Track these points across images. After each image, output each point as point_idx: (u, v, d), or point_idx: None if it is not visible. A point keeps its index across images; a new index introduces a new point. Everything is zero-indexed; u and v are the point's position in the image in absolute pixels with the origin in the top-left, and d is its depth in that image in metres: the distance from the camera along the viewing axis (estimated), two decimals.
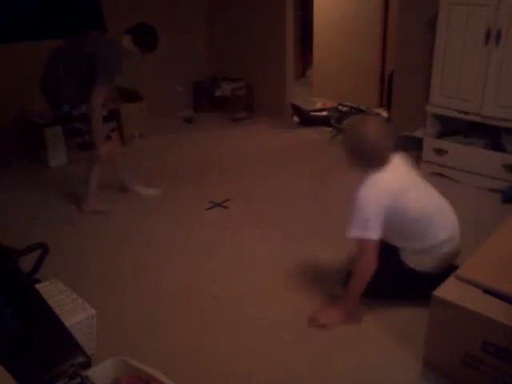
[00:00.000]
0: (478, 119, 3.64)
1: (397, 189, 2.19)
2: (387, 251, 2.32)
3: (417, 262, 2.32)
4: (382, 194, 2.16)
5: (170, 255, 2.98)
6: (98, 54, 3.13)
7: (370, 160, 2.19)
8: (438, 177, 3.89)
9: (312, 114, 5.53)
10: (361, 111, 5.21)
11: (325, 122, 5.28)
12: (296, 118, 5.53)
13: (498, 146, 3.68)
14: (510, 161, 3.54)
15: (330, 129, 5.17)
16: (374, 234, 2.14)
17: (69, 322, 1.92)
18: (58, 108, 3.34)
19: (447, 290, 1.94)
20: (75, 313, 2.08)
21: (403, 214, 2.21)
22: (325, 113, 5.47)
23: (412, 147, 4.05)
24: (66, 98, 3.29)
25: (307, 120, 5.39)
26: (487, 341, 1.82)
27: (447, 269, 2.25)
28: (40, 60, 4.13)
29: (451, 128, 3.97)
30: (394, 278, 2.35)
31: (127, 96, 4.96)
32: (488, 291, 1.91)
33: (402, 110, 4.53)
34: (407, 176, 2.31)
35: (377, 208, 2.14)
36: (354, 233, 2.16)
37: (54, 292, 2.19)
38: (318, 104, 6.07)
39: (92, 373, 1.57)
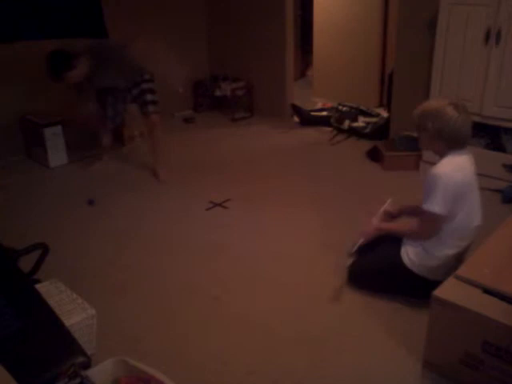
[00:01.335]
0: (477, 119, 3.64)
1: (470, 171, 2.23)
2: (391, 242, 2.39)
3: (414, 263, 2.33)
4: (458, 172, 2.18)
5: (169, 255, 2.98)
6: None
7: (456, 139, 2.19)
8: None
9: (312, 113, 5.53)
10: (361, 111, 5.21)
11: (325, 121, 5.28)
12: (296, 118, 5.53)
13: (498, 146, 3.68)
14: (509, 161, 3.54)
15: (329, 129, 5.18)
16: (443, 208, 2.15)
17: (69, 322, 1.92)
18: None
19: (447, 290, 1.94)
20: (75, 313, 2.07)
21: (459, 208, 2.20)
22: (325, 113, 5.47)
23: (412, 147, 4.05)
24: None
25: (307, 120, 5.40)
26: (487, 341, 1.82)
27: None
28: (40, 60, 4.14)
29: None
30: (387, 267, 2.41)
31: None
32: (488, 291, 1.91)
33: (402, 110, 4.52)
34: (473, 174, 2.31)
35: (451, 186, 2.15)
36: (434, 207, 2.16)
37: (53, 292, 2.19)
38: (318, 104, 6.07)
39: (92, 373, 1.57)
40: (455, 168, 2.19)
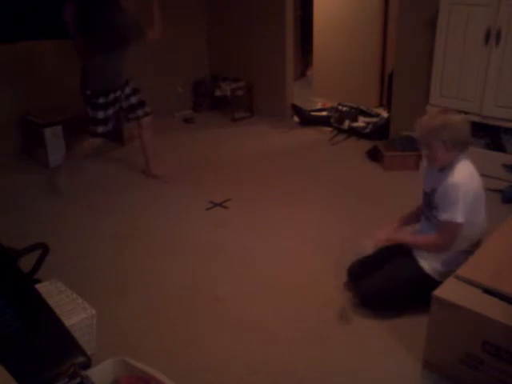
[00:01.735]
0: (477, 119, 3.64)
1: (480, 181, 2.27)
2: (402, 256, 2.36)
3: (438, 271, 2.29)
4: (474, 178, 2.23)
5: (170, 255, 2.98)
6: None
7: (468, 142, 2.23)
8: None
9: (312, 113, 5.53)
10: (361, 111, 5.21)
11: (325, 121, 5.28)
12: (296, 118, 5.53)
13: (498, 146, 3.68)
14: (510, 161, 3.54)
15: (330, 129, 5.18)
16: (462, 217, 2.16)
17: (69, 322, 1.92)
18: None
19: (447, 290, 1.94)
20: (75, 313, 2.07)
21: (475, 209, 2.23)
22: (325, 113, 5.47)
23: (412, 147, 4.05)
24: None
25: (307, 120, 5.39)
26: (487, 341, 1.82)
27: None
28: (40, 60, 4.15)
29: None
30: (406, 283, 2.33)
31: None
32: (488, 291, 1.91)
33: (402, 110, 4.52)
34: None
35: (469, 193, 2.17)
36: (457, 217, 2.16)
37: (53, 292, 2.19)
38: (318, 104, 6.07)
39: (92, 373, 1.57)
40: (471, 175, 2.22)
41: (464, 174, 2.20)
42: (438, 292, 1.93)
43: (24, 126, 4.56)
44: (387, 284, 2.34)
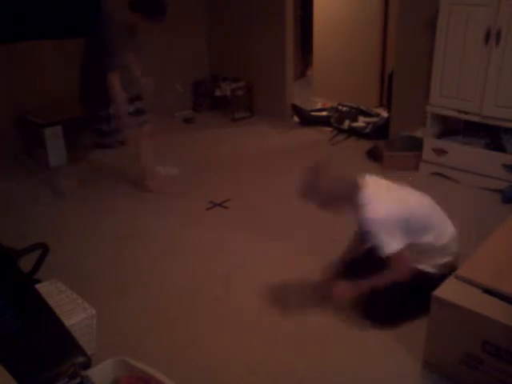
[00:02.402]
0: (477, 119, 3.64)
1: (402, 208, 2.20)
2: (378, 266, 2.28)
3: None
4: (391, 209, 2.17)
5: (170, 255, 2.98)
6: (98, 36, 3.13)
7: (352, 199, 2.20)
8: (437, 177, 3.89)
9: (312, 113, 5.53)
10: (361, 111, 5.21)
11: (325, 121, 5.28)
12: (296, 118, 5.53)
13: (498, 146, 3.68)
14: (510, 161, 3.54)
15: (330, 129, 5.18)
16: (399, 243, 2.13)
17: (69, 322, 1.92)
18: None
19: (447, 290, 1.94)
20: (75, 313, 2.07)
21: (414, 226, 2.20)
22: (325, 113, 5.47)
23: (412, 147, 4.06)
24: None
25: (307, 120, 5.39)
26: (487, 341, 1.82)
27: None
28: (40, 60, 4.14)
29: (451, 128, 3.98)
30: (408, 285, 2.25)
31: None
32: (488, 291, 1.91)
33: (402, 110, 4.52)
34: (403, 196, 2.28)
35: (392, 220, 2.14)
36: (388, 250, 2.12)
37: (53, 292, 2.19)
38: (318, 104, 6.07)
39: (92, 373, 1.57)
40: (385, 205, 2.17)
41: (374, 207, 2.15)
42: (437, 292, 1.93)
43: (24, 126, 4.56)
44: (390, 295, 2.26)
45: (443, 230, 2.29)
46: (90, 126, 3.54)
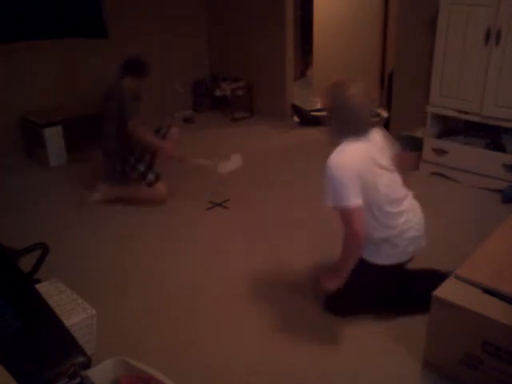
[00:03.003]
0: (477, 119, 3.64)
1: (369, 159, 2.11)
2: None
3: (376, 252, 2.24)
4: (353, 160, 2.09)
5: (169, 255, 2.98)
6: (116, 102, 3.47)
7: (349, 124, 2.13)
8: (438, 177, 3.89)
9: (312, 114, 5.52)
10: None
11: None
12: (296, 118, 5.53)
13: (498, 146, 3.68)
14: (509, 161, 3.54)
15: None
16: (353, 199, 2.04)
17: (69, 322, 1.92)
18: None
19: (447, 290, 1.94)
20: (75, 313, 2.08)
21: (373, 193, 2.11)
22: (325, 113, 5.46)
23: (412, 147, 4.05)
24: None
25: (307, 120, 5.39)
26: (487, 341, 1.82)
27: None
28: (40, 60, 4.13)
29: (451, 128, 3.98)
30: (364, 280, 2.24)
31: None
32: (488, 291, 1.91)
33: (402, 110, 4.52)
34: (382, 154, 2.19)
35: (350, 174, 2.05)
36: (331, 203, 2.08)
37: (53, 292, 2.19)
38: (318, 104, 6.07)
39: (92, 373, 1.57)
40: (349, 155, 2.12)
41: (338, 154, 2.11)
42: (438, 292, 1.93)
43: (24, 125, 4.56)
44: (346, 291, 2.25)
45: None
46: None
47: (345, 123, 2.16)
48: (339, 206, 2.07)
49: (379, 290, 2.29)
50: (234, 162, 3.80)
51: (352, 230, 2.07)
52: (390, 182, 2.20)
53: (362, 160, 2.11)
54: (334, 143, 2.18)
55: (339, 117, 2.16)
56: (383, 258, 2.25)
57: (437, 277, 2.24)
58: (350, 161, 2.10)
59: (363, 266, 2.22)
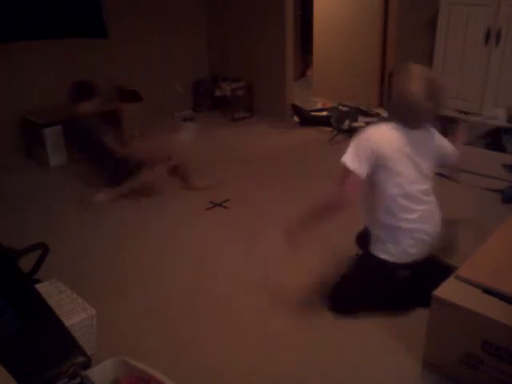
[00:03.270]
0: (477, 119, 3.64)
1: (397, 146, 2.16)
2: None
3: (381, 245, 2.29)
4: (378, 139, 2.17)
5: (169, 255, 2.98)
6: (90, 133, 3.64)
7: (401, 115, 2.17)
8: (438, 177, 3.88)
9: (312, 113, 5.53)
10: (361, 111, 5.21)
11: (325, 122, 5.28)
12: (296, 118, 5.53)
13: (498, 146, 3.68)
14: (510, 161, 3.54)
15: (330, 129, 5.18)
16: (355, 165, 2.13)
17: (69, 322, 1.92)
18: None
19: (447, 290, 1.94)
20: (75, 313, 2.07)
21: (387, 177, 2.17)
22: (325, 113, 5.47)
23: None
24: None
25: (307, 120, 5.40)
26: (487, 341, 1.82)
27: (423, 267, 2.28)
28: (40, 60, 4.13)
29: (451, 128, 3.98)
30: (367, 273, 2.33)
31: (127, 96, 4.96)
32: (488, 291, 1.91)
33: None
34: (421, 153, 2.21)
35: (367, 146, 2.14)
36: (344, 159, 2.15)
37: (53, 292, 2.19)
38: (318, 104, 6.07)
39: (92, 373, 1.57)
40: (378, 133, 2.20)
41: (371, 129, 2.20)
42: (438, 292, 1.93)
43: (24, 125, 4.56)
44: (346, 283, 2.37)
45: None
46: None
47: (398, 112, 2.19)
48: (342, 162, 2.16)
49: (382, 285, 2.32)
50: (190, 129, 3.93)
51: (340, 189, 2.17)
52: (411, 178, 2.20)
53: (388, 143, 2.16)
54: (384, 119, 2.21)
55: (396, 105, 2.19)
56: (386, 253, 2.28)
57: (441, 271, 2.24)
58: (375, 138, 2.18)
59: (368, 260, 2.30)
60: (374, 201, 2.28)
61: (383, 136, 2.19)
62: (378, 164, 2.15)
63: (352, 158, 2.14)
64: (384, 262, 2.28)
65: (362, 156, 2.13)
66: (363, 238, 2.54)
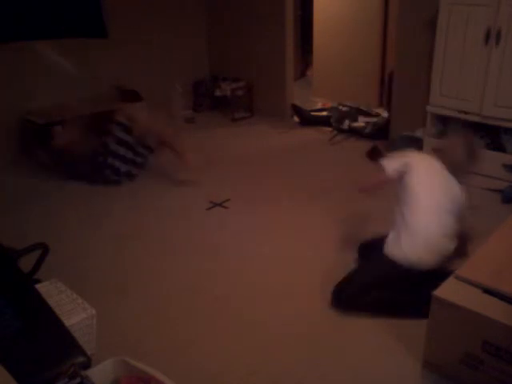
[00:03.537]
0: (477, 119, 3.64)
1: (429, 169, 2.52)
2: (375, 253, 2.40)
3: (396, 241, 2.36)
4: (415, 160, 2.53)
5: (170, 255, 2.98)
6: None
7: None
8: None
9: (312, 113, 5.53)
10: (361, 111, 5.21)
11: (325, 121, 5.28)
12: (296, 118, 5.53)
13: (498, 146, 3.68)
14: (510, 161, 3.54)
15: (329, 129, 5.18)
16: (389, 167, 2.50)
17: (69, 322, 1.92)
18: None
19: (447, 290, 1.94)
20: (75, 313, 2.07)
21: (408, 185, 2.44)
22: (325, 113, 5.47)
23: (412, 147, 4.05)
24: None
25: (307, 120, 5.40)
26: (487, 341, 1.82)
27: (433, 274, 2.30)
28: (40, 60, 4.13)
29: (451, 128, 3.97)
30: (380, 276, 2.38)
31: (127, 96, 4.96)
32: (488, 291, 1.91)
33: (402, 110, 4.53)
34: (445, 190, 2.53)
35: (403, 160, 2.51)
36: (384, 161, 2.55)
37: (53, 292, 2.19)
38: (318, 104, 6.07)
39: (92, 373, 1.57)
40: (424, 160, 2.57)
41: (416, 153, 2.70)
42: (438, 292, 1.93)
43: (24, 125, 4.56)
44: (355, 279, 2.43)
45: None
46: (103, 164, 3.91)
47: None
48: (384, 164, 2.55)
49: (389, 286, 2.35)
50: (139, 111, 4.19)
51: (377, 177, 2.62)
52: (426, 198, 2.43)
53: (422, 162, 2.54)
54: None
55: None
56: (400, 248, 2.34)
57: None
58: (413, 159, 2.54)
59: (379, 258, 2.37)
60: (401, 206, 2.48)
61: (419, 159, 2.56)
62: (403, 172, 2.47)
63: (389, 163, 2.52)
64: (397, 264, 2.31)
65: (396, 165, 2.50)
66: (366, 249, 2.62)
